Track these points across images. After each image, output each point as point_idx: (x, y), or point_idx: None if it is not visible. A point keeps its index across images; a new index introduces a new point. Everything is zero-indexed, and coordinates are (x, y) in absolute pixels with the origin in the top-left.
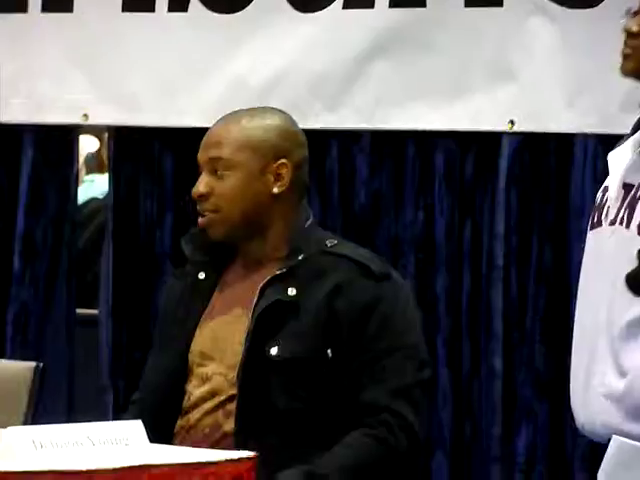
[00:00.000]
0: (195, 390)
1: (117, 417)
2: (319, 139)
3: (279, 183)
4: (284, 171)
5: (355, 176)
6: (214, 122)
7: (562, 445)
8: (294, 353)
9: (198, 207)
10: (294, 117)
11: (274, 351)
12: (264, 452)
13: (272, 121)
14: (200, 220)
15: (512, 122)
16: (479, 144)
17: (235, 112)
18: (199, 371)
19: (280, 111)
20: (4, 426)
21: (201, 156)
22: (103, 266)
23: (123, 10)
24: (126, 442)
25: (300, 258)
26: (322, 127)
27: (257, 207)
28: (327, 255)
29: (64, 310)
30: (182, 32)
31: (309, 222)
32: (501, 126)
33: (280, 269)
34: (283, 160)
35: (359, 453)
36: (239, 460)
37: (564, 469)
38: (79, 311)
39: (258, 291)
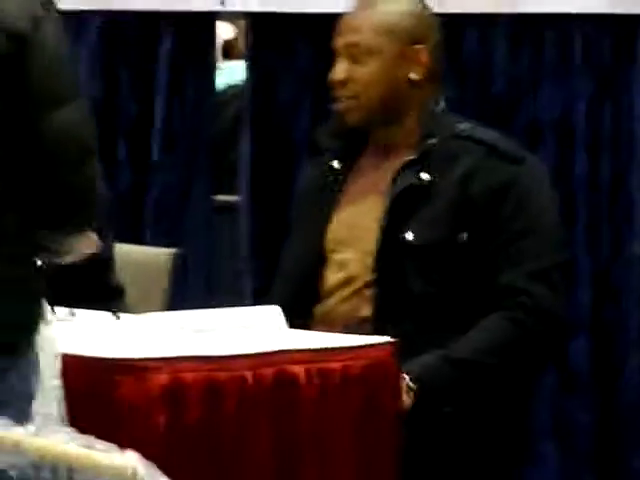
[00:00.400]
0: (331, 277)
1: (256, 302)
2: (455, 24)
3: (417, 69)
4: (422, 56)
5: (492, 61)
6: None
7: None
8: (429, 238)
9: (336, 93)
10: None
11: (409, 236)
12: (401, 337)
13: (408, 6)
14: (337, 106)
15: None
16: (618, 27)
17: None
18: (335, 258)
19: None
20: (145, 311)
21: (338, 42)
22: (242, 153)
23: None
24: (265, 327)
25: (432, 142)
26: (459, 11)
27: (395, 93)
28: (459, 139)
29: (203, 197)
30: None
31: (441, 107)
32: (638, 9)
33: (413, 154)
34: (420, 45)
35: (495, 336)
36: (379, 345)
37: None
38: (218, 198)
39: (392, 177)
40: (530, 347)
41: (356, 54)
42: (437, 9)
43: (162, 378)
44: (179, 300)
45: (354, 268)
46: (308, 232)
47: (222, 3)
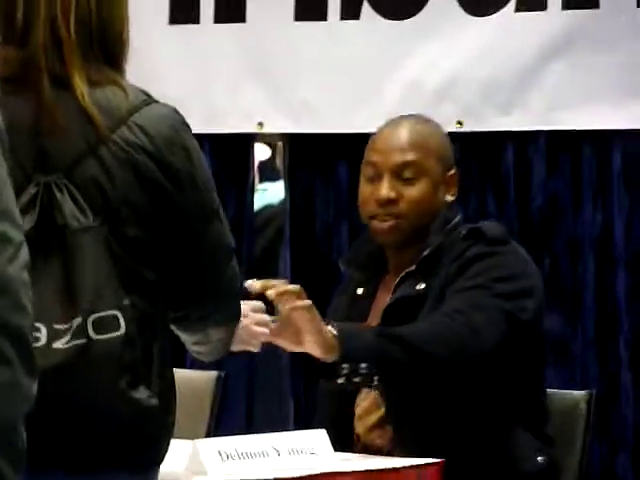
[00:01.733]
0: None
1: (298, 426)
2: (494, 141)
3: (452, 191)
4: (455, 180)
5: (531, 177)
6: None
7: None
8: None
9: (380, 211)
10: (469, 121)
11: None
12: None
13: (439, 127)
14: (382, 225)
15: None
16: None
17: (402, 117)
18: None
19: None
20: (190, 436)
21: (382, 160)
22: (281, 272)
23: (296, 19)
24: (311, 451)
25: (426, 253)
26: (497, 129)
27: (434, 214)
28: (448, 235)
29: None
30: (354, 39)
31: (458, 219)
32: None
33: (410, 267)
34: (454, 169)
35: (435, 325)
36: (425, 465)
37: None
38: None
39: (391, 291)
40: (444, 342)
41: (406, 173)
42: (476, 127)
43: None
44: (221, 423)
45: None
46: None
47: (260, 125)
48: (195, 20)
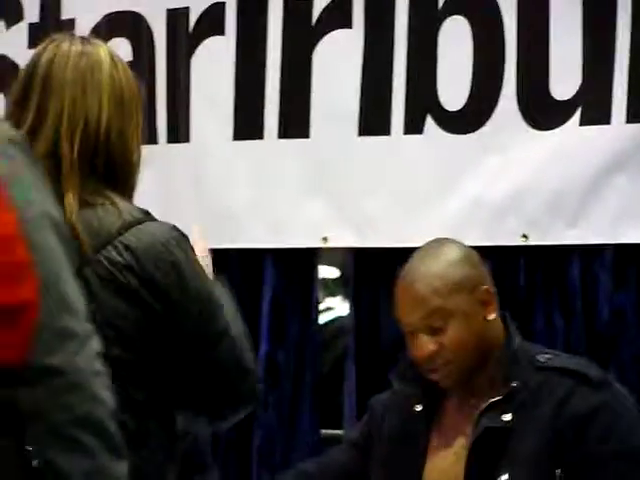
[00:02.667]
0: None
1: None
2: (561, 255)
3: (489, 309)
4: (488, 295)
5: (598, 291)
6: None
7: None
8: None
9: (426, 366)
10: (534, 235)
11: (504, 478)
12: None
13: (455, 254)
14: (435, 377)
15: None
16: None
17: (414, 261)
18: None
19: (449, 240)
20: None
21: (409, 320)
22: (347, 389)
23: (359, 134)
24: None
25: (515, 385)
26: (563, 243)
27: (482, 341)
28: (541, 371)
29: (309, 433)
30: (417, 153)
31: (518, 340)
32: None
33: (496, 395)
34: (485, 286)
35: None
36: None
37: None
38: (324, 432)
39: (476, 419)
40: None
41: (435, 322)
42: (539, 241)
43: None
44: None
45: None
46: (403, 475)
47: (324, 239)
48: (260, 136)
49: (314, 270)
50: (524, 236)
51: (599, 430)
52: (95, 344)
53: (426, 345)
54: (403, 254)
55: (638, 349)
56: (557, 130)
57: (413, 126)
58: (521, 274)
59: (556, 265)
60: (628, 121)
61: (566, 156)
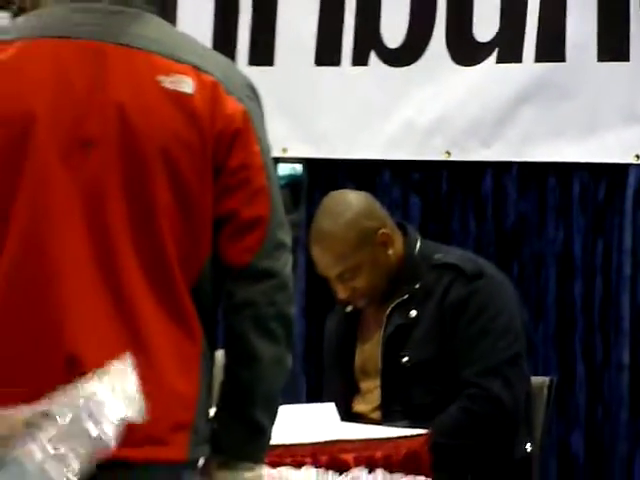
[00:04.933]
0: (360, 404)
1: (310, 400)
2: (477, 170)
3: (390, 246)
4: (387, 236)
5: (506, 200)
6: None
7: None
8: (420, 358)
9: (348, 303)
10: (455, 152)
11: (405, 359)
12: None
13: (352, 211)
14: (354, 305)
15: (637, 156)
16: (609, 174)
17: (318, 223)
18: (361, 385)
19: (346, 195)
20: None
21: (323, 274)
22: (297, 276)
23: (315, 64)
24: (322, 421)
25: (417, 286)
26: (479, 159)
27: (388, 271)
28: (434, 268)
29: None
30: (363, 82)
31: (418, 246)
32: (628, 159)
33: (404, 295)
34: (382, 229)
35: (448, 421)
36: (414, 436)
37: None
38: None
39: (386, 317)
40: (476, 429)
41: (345, 276)
42: (459, 157)
43: None
44: None
45: (374, 392)
46: (341, 366)
47: (284, 150)
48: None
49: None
50: (447, 153)
51: (469, 314)
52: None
53: (341, 292)
54: (347, 164)
55: (536, 248)
56: (477, 67)
57: (360, 59)
58: (443, 184)
59: (472, 178)
60: (536, 60)
61: (484, 88)
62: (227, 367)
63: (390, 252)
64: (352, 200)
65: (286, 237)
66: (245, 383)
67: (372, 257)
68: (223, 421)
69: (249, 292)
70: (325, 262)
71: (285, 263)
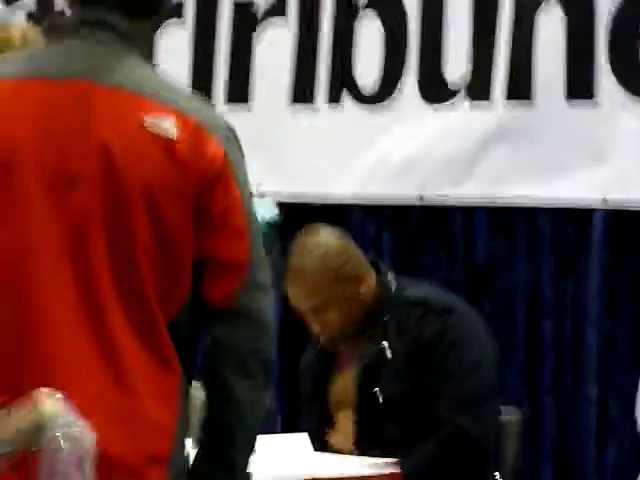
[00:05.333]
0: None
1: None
2: (448, 208)
3: (361, 282)
4: (358, 275)
5: (476, 240)
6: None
7: None
8: (393, 393)
9: (319, 338)
10: (428, 191)
11: (379, 393)
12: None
13: (323, 249)
14: (328, 341)
15: (605, 199)
16: (577, 215)
17: (294, 258)
18: (338, 416)
19: (320, 232)
20: None
21: (297, 308)
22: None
23: (290, 103)
24: (294, 452)
25: (390, 322)
26: (450, 199)
27: (360, 307)
28: (405, 305)
29: None
30: (337, 120)
31: (394, 284)
32: (596, 201)
33: (375, 332)
34: (352, 269)
35: (417, 457)
36: (385, 475)
37: None
38: None
39: (359, 353)
40: (446, 465)
41: (317, 311)
42: (431, 198)
43: None
44: None
45: (349, 426)
46: (318, 401)
47: (258, 184)
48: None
49: None
50: (420, 197)
51: (442, 348)
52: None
53: (313, 326)
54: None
55: (506, 287)
56: (448, 106)
57: (333, 98)
58: (414, 222)
59: (443, 216)
60: (506, 99)
61: (455, 128)
62: (208, 408)
63: (361, 290)
64: (324, 237)
65: (266, 279)
66: (225, 425)
67: (343, 294)
68: (202, 461)
69: (231, 334)
70: (297, 297)
71: (267, 306)
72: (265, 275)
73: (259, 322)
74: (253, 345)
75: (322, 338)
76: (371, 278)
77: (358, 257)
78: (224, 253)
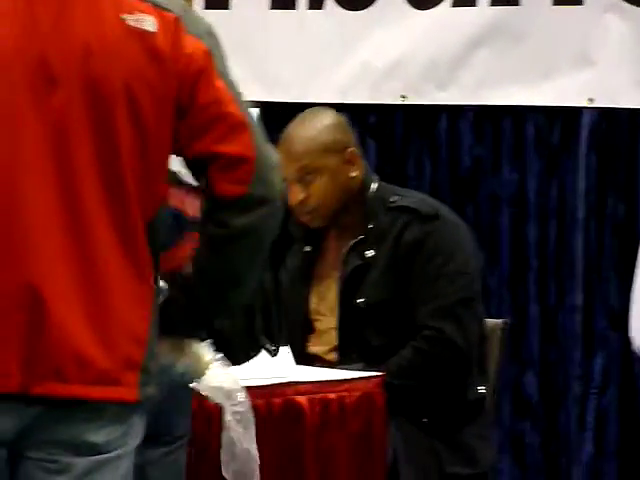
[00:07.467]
0: (315, 342)
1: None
2: (432, 113)
3: (354, 167)
4: (354, 156)
5: (461, 144)
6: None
7: (631, 371)
8: (375, 300)
9: (296, 210)
10: (411, 95)
11: (360, 300)
12: None
13: (327, 120)
14: (301, 220)
15: (591, 99)
16: (563, 117)
17: (293, 124)
18: (316, 325)
19: (324, 109)
20: None
21: (285, 172)
22: None
23: (271, 8)
24: (275, 363)
25: (371, 225)
26: (434, 103)
27: (344, 193)
28: (390, 211)
29: None
30: (319, 25)
31: (375, 186)
32: (582, 102)
33: (359, 236)
34: (350, 148)
35: (402, 362)
36: (369, 378)
37: (633, 391)
38: None
39: (343, 257)
40: (429, 370)
41: (305, 176)
42: (415, 100)
43: None
44: None
45: (330, 333)
46: (296, 306)
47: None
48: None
49: None
50: (402, 97)
51: (425, 254)
52: None
53: (297, 194)
54: (303, 108)
55: (490, 192)
56: (433, 10)
57: (315, 2)
58: (398, 128)
59: (428, 121)
60: (490, 4)
61: (439, 32)
62: (210, 284)
63: (352, 174)
64: (331, 113)
65: (274, 159)
66: (230, 303)
67: (335, 168)
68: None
69: (248, 219)
70: (289, 157)
71: (282, 187)
72: (273, 155)
73: (273, 207)
74: (269, 227)
75: (299, 210)
76: (361, 169)
77: (355, 143)
78: (225, 147)
